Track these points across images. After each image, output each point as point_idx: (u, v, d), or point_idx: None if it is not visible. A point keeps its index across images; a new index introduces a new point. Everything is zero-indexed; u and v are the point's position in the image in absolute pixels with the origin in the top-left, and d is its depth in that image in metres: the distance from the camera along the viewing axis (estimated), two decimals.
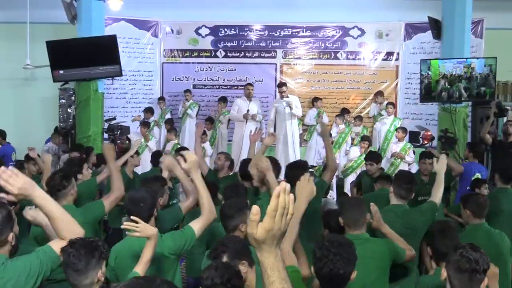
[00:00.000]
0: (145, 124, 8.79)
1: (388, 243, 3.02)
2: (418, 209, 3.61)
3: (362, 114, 9.58)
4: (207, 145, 8.52)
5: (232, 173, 5.33)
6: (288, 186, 1.21)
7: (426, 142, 7.78)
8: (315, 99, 9.46)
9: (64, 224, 2.17)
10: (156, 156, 6.05)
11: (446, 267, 2.19)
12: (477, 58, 7.82)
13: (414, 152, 8.38)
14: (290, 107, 8.10)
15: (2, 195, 2.45)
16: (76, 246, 2.11)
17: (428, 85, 7.49)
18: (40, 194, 2.11)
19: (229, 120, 9.28)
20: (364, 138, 8.10)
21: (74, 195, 3.34)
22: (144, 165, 7.32)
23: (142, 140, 8.40)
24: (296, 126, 8.69)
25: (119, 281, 2.63)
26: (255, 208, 1.22)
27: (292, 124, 8.44)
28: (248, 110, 8.27)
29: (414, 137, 8.30)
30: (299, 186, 2.46)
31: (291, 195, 1.22)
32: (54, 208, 2.16)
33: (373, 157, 5.56)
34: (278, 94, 9.60)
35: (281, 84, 8.60)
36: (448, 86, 7.38)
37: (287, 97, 8.27)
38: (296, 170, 4.28)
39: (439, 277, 2.27)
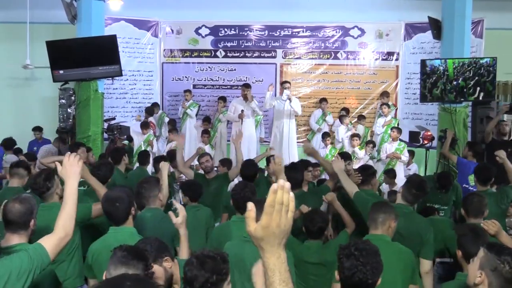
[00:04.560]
0: (145, 125, 8.77)
1: (412, 253, 2.99)
2: (428, 219, 3.64)
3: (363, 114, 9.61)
4: (207, 147, 8.39)
5: (223, 173, 5.38)
6: (287, 184, 1.19)
7: (426, 142, 7.78)
8: (321, 100, 9.49)
9: (66, 217, 2.33)
10: (143, 156, 6.09)
11: (488, 273, 2.10)
12: (477, 58, 7.82)
13: (413, 153, 8.40)
14: (290, 99, 8.08)
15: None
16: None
17: (428, 85, 7.48)
18: (74, 186, 2.43)
19: None
20: (368, 142, 8.15)
21: (60, 193, 3.35)
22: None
23: (142, 142, 8.40)
24: (294, 125, 8.68)
25: (96, 278, 2.73)
26: (250, 204, 1.20)
27: (290, 124, 8.43)
28: (242, 110, 8.26)
29: (414, 137, 8.30)
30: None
31: (291, 193, 1.19)
32: (72, 203, 2.40)
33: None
34: (277, 93, 9.63)
35: (285, 82, 8.74)
36: (448, 86, 7.37)
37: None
38: (294, 171, 4.31)
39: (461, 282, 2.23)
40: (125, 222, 2.84)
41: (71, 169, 2.43)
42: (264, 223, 1.18)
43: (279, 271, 1.20)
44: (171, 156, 5.92)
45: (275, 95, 9.21)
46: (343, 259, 2.15)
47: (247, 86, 8.69)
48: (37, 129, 9.23)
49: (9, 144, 7.72)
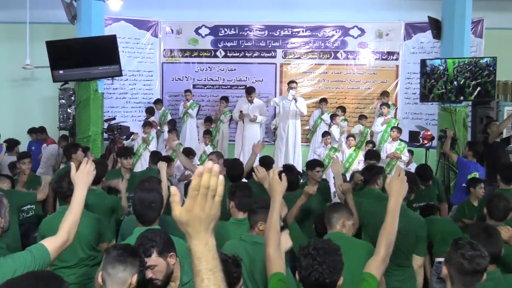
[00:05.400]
0: (147, 124, 8.76)
1: (369, 245, 2.96)
2: (428, 219, 3.70)
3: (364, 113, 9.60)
4: (208, 148, 8.33)
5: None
6: (215, 166, 1.15)
7: (426, 142, 7.79)
8: (321, 101, 9.47)
9: (71, 222, 2.34)
10: (154, 156, 6.05)
11: (448, 266, 2.22)
12: (477, 58, 7.82)
13: (412, 152, 8.39)
14: (295, 99, 8.05)
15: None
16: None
17: (428, 85, 7.49)
18: (83, 193, 2.44)
19: (230, 119, 9.30)
20: (368, 142, 8.17)
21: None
22: (146, 165, 7.31)
23: (141, 143, 8.40)
24: (299, 126, 8.65)
25: None
26: (173, 188, 1.17)
27: (295, 124, 8.42)
28: (241, 111, 8.25)
29: (414, 137, 8.31)
30: (270, 181, 2.47)
31: (221, 177, 1.15)
32: (78, 209, 2.41)
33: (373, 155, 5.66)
34: (277, 93, 9.62)
35: (292, 81, 8.64)
36: (448, 86, 7.38)
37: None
38: (289, 174, 4.31)
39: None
40: (154, 223, 2.84)
41: (86, 176, 2.46)
42: (187, 207, 1.15)
43: (205, 259, 1.16)
44: (188, 153, 6.05)
45: (276, 96, 9.20)
46: (301, 258, 2.12)
47: (249, 92, 8.58)
48: (32, 131, 9.08)
49: (11, 144, 7.61)
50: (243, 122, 8.29)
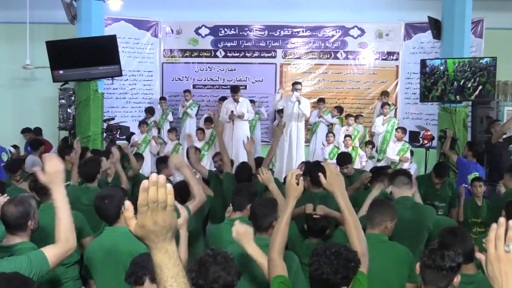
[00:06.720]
0: (144, 123, 8.76)
1: (409, 252, 2.97)
2: (424, 206, 3.83)
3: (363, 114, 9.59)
4: (201, 143, 8.38)
5: (232, 173, 5.34)
6: (160, 177, 1.13)
7: (426, 142, 7.80)
8: (319, 101, 9.43)
9: (66, 229, 2.23)
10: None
11: (420, 265, 2.25)
12: (477, 58, 7.82)
13: (412, 152, 8.40)
14: (299, 101, 8.03)
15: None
16: None
17: (428, 85, 7.49)
18: (61, 191, 2.22)
19: None
20: (368, 143, 8.18)
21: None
22: (145, 166, 7.30)
23: (140, 143, 8.40)
24: (303, 127, 8.62)
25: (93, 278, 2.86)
26: (127, 203, 1.16)
27: (298, 126, 8.38)
28: (232, 112, 8.24)
29: (414, 137, 8.31)
30: (286, 185, 2.42)
31: (169, 186, 1.13)
32: (65, 211, 2.23)
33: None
34: (278, 95, 9.58)
35: (297, 83, 8.40)
36: (448, 86, 7.38)
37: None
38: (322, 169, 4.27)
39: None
40: (117, 221, 2.82)
41: (56, 173, 2.20)
42: (139, 223, 1.14)
43: (166, 267, 1.15)
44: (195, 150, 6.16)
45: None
46: (317, 247, 2.16)
47: (235, 91, 8.51)
48: (26, 131, 9.02)
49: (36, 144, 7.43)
50: (233, 122, 8.27)
